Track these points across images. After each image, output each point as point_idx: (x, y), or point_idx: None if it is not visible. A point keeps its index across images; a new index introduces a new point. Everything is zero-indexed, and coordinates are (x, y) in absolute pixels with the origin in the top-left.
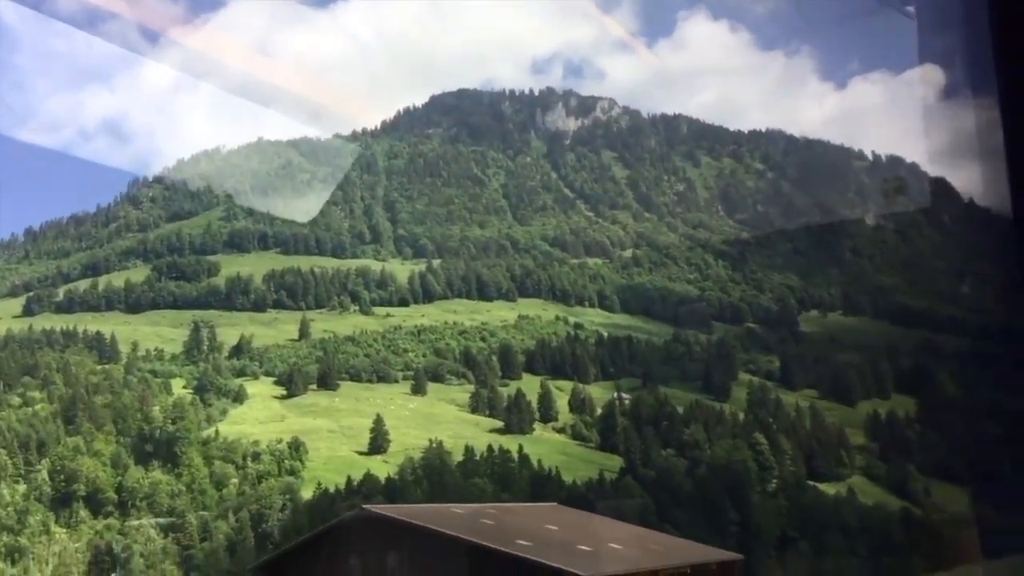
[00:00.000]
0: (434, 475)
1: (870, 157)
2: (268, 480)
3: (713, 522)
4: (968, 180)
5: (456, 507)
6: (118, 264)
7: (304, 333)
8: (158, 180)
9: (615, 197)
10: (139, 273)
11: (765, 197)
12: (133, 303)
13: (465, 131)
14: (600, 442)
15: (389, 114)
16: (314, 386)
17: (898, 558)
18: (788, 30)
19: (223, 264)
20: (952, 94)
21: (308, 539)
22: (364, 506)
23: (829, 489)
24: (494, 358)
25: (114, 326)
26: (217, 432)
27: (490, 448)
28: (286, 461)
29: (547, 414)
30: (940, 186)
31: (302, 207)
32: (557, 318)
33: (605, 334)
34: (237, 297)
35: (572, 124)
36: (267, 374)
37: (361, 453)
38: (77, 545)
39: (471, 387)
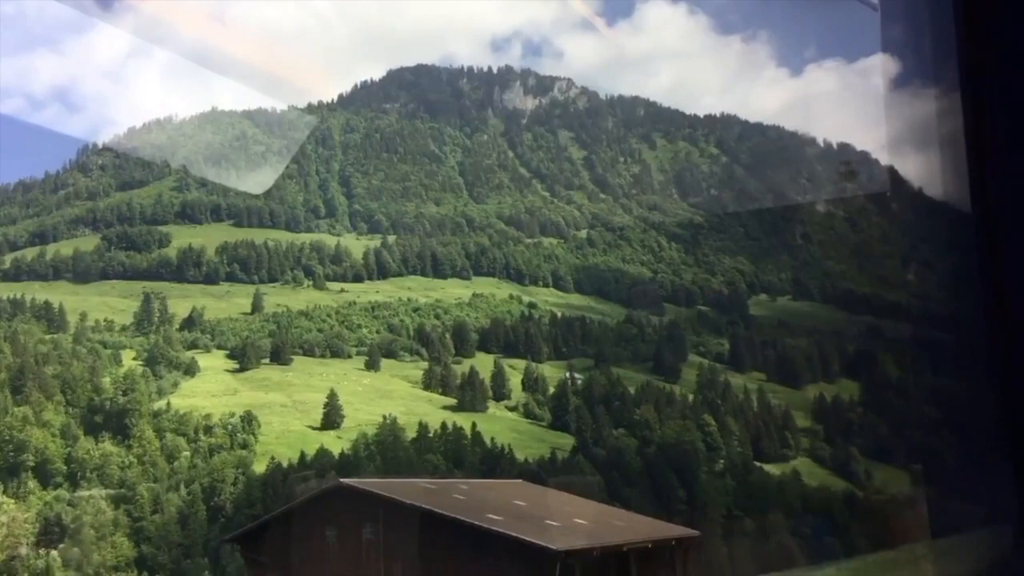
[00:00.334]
0: (387, 451)
1: (822, 145)
2: (220, 454)
3: (662, 500)
4: (923, 168)
5: (426, 482)
6: (67, 232)
7: (257, 307)
8: (108, 148)
9: (571, 177)
10: (88, 242)
11: (719, 181)
12: (82, 273)
13: (423, 107)
14: (552, 421)
15: (346, 87)
16: (267, 360)
17: (840, 538)
18: (746, 15)
19: (175, 235)
20: (912, 83)
21: (284, 511)
22: (341, 480)
23: (775, 470)
24: (448, 335)
25: (62, 296)
26: (169, 404)
27: (443, 425)
28: (238, 435)
29: (500, 392)
30: (891, 174)
31: (256, 179)
32: (511, 297)
33: (559, 314)
34: (189, 269)
35: (530, 103)
36: (219, 347)
37: (314, 428)
38: (26, 516)
39: (425, 364)
